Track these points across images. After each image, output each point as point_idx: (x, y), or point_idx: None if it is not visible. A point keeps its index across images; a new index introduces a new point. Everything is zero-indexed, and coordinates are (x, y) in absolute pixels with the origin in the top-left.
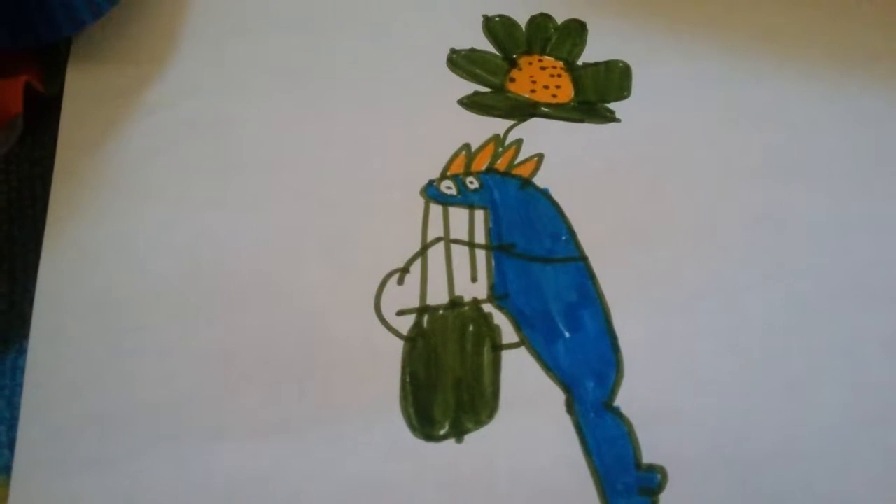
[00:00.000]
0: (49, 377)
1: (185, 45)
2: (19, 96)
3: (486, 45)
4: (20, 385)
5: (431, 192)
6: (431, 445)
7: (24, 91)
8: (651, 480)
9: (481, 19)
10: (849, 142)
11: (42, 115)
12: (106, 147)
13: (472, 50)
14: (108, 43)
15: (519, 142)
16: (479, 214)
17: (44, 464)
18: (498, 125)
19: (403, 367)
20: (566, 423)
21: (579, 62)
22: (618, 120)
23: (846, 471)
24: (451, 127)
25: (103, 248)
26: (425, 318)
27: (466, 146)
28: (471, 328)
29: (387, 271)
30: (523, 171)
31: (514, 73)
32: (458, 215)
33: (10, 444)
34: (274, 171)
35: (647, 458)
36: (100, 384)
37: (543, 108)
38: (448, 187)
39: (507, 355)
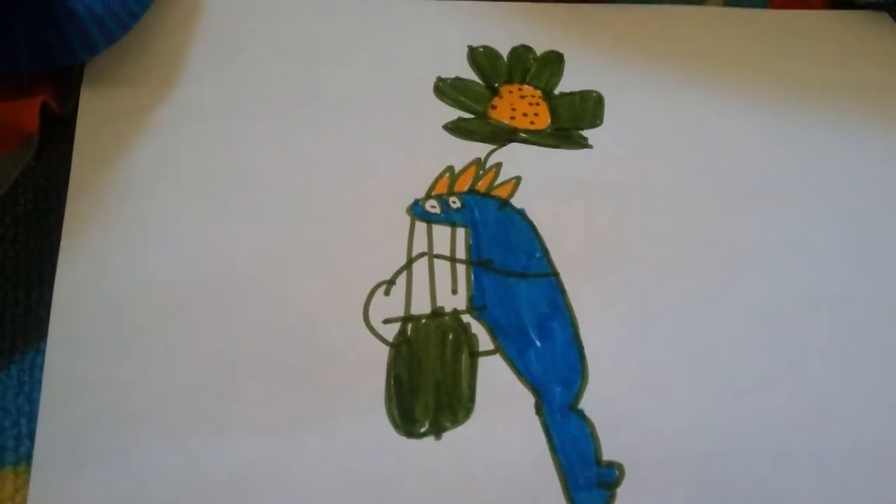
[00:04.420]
0: (65, 375)
1: (190, 69)
2: (36, 116)
3: (470, 74)
4: (38, 382)
5: (417, 211)
6: (413, 442)
7: (40, 110)
8: (609, 476)
9: (466, 50)
10: (799, 169)
11: (56, 133)
12: (117, 163)
13: (458, 78)
14: (119, 67)
15: (498, 165)
16: (461, 232)
17: (60, 453)
18: (479, 149)
19: (388, 371)
20: (535, 423)
21: (556, 91)
22: (590, 146)
23: (785, 467)
24: (436, 150)
25: (114, 257)
26: (409, 326)
27: (450, 168)
28: (450, 336)
29: (375, 283)
30: (502, 193)
31: (496, 101)
32: (441, 232)
33: (31, 435)
34: (272, 188)
35: (607, 455)
36: (111, 381)
37: (522, 134)
38: (432, 206)
39: (483, 361)
